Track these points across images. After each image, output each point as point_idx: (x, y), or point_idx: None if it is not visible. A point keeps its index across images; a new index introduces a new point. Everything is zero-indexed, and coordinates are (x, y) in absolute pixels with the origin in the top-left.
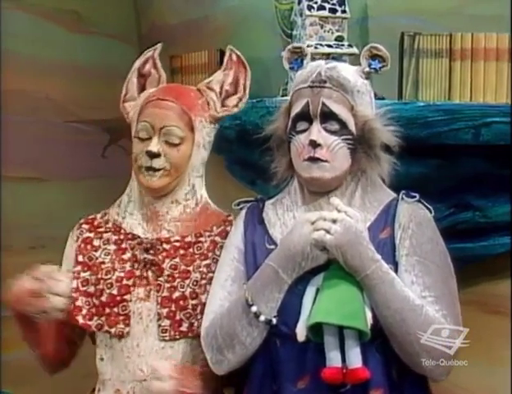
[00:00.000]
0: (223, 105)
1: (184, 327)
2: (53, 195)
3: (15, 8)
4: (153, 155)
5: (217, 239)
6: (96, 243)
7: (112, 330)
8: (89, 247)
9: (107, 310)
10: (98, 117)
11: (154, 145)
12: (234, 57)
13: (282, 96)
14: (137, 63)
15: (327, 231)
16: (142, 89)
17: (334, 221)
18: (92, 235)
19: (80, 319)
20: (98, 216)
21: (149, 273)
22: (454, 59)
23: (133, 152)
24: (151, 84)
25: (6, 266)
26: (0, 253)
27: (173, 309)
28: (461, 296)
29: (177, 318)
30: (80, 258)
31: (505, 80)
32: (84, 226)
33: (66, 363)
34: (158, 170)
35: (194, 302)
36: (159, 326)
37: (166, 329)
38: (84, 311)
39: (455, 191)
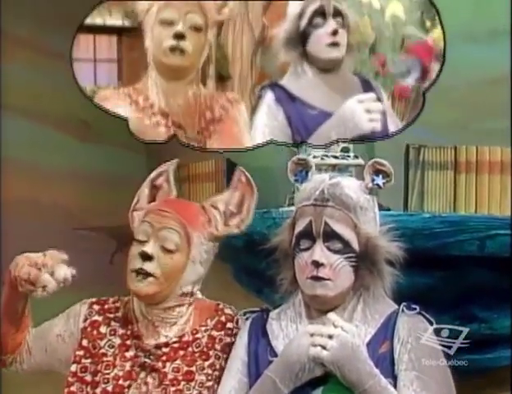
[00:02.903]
0: (225, 224)
1: None
2: (59, 302)
3: (24, 117)
4: (146, 257)
5: (214, 333)
6: (103, 330)
7: None
8: (95, 332)
9: None
10: (106, 224)
11: (149, 247)
12: (243, 179)
13: (289, 205)
14: (152, 174)
15: (324, 347)
16: (152, 200)
17: (330, 336)
18: (100, 319)
19: None
20: (111, 300)
21: (149, 380)
22: (459, 172)
23: (128, 255)
24: (160, 197)
25: None
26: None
27: None
28: None
29: None
30: (85, 343)
31: (509, 192)
32: (94, 306)
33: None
34: (148, 275)
35: None
36: None
37: None
38: None
39: (460, 302)
